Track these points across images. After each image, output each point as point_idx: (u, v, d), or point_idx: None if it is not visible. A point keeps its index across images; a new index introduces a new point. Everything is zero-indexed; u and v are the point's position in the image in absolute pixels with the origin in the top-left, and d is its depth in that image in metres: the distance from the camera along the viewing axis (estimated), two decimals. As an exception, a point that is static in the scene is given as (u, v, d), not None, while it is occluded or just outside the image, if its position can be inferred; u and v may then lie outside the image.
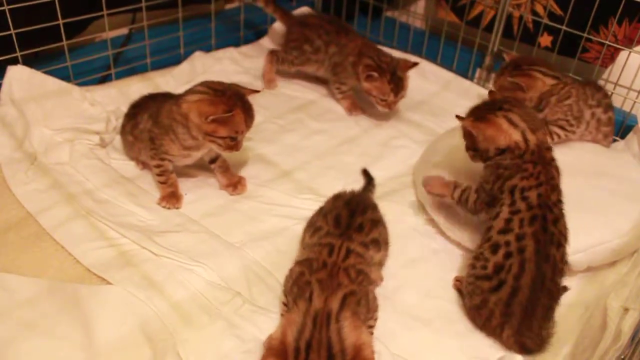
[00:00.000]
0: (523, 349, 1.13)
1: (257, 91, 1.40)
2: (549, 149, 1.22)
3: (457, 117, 1.27)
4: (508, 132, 1.20)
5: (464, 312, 1.22)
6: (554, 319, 1.16)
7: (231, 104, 1.30)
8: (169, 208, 1.43)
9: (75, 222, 1.36)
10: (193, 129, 1.34)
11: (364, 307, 1.02)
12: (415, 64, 1.75)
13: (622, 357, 0.98)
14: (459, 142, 1.34)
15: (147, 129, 1.43)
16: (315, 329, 0.95)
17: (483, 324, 1.17)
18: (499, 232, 1.16)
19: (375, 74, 1.70)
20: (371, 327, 1.10)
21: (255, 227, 1.40)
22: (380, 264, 1.20)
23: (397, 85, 1.72)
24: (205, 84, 1.36)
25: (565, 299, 1.27)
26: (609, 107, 1.62)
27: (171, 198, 1.44)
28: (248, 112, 1.35)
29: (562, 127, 1.57)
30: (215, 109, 1.30)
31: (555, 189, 1.19)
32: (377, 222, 1.19)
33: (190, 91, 1.35)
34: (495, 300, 1.13)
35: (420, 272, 1.32)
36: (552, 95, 1.56)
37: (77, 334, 1.09)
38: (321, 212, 1.22)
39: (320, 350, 0.93)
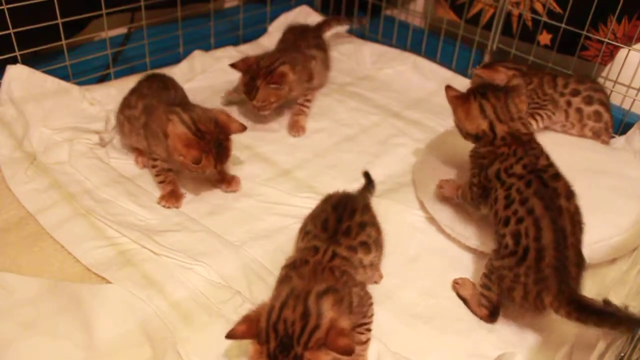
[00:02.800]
0: (574, 305, 1.06)
1: (245, 128, 1.41)
2: (527, 134, 1.24)
3: (447, 87, 1.32)
4: (476, 120, 1.26)
5: (472, 312, 1.22)
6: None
7: (203, 150, 1.33)
8: (168, 207, 1.43)
9: (75, 221, 1.36)
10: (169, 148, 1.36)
11: (345, 307, 0.98)
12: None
13: (622, 355, 0.98)
14: (460, 139, 1.34)
15: (142, 121, 1.45)
16: (293, 296, 0.93)
17: (521, 303, 1.13)
18: (504, 209, 1.16)
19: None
20: (367, 324, 1.09)
21: (255, 226, 1.40)
22: (373, 265, 1.17)
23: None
24: (193, 117, 1.36)
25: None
26: (597, 101, 1.62)
27: (171, 197, 1.44)
28: (220, 157, 1.37)
29: (536, 113, 1.65)
30: (186, 151, 1.32)
31: (539, 156, 1.20)
32: (365, 224, 1.15)
33: (178, 115, 1.36)
34: (525, 271, 1.10)
35: (421, 270, 1.32)
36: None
37: (78, 333, 1.09)
38: (310, 216, 1.20)
39: (295, 309, 0.90)
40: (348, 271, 1.05)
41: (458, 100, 1.31)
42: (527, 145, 1.22)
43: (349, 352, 0.88)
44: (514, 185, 1.16)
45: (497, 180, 1.19)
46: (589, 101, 1.62)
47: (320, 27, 2.05)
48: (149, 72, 1.62)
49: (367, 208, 1.22)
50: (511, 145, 1.22)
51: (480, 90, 1.29)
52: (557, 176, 1.17)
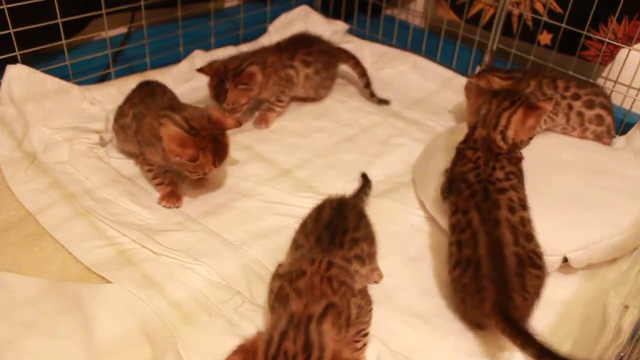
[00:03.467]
0: (505, 319, 1.04)
1: (240, 124, 1.40)
2: (501, 149, 1.26)
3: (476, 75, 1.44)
4: (473, 115, 1.32)
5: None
6: (540, 292, 1.11)
7: (201, 147, 1.31)
8: (169, 207, 1.43)
9: (75, 221, 1.36)
10: (165, 152, 1.35)
11: (344, 321, 0.96)
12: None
13: (622, 354, 0.98)
14: (460, 139, 1.34)
15: (133, 128, 1.45)
16: (293, 325, 0.86)
17: (470, 313, 1.15)
18: (452, 215, 1.22)
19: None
20: (363, 330, 1.07)
21: (255, 226, 1.40)
22: (368, 277, 1.16)
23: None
24: (185, 116, 1.34)
25: (565, 297, 1.27)
26: (598, 105, 1.62)
27: (171, 197, 1.44)
28: (218, 153, 1.35)
29: None
30: (182, 151, 1.30)
31: (498, 169, 1.22)
32: (358, 240, 1.12)
33: (169, 117, 1.34)
34: (468, 281, 1.12)
35: (420, 270, 1.32)
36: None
37: (77, 333, 1.09)
38: (303, 231, 1.16)
39: (296, 340, 0.84)
40: (346, 281, 1.02)
41: (479, 90, 1.35)
42: (493, 157, 1.24)
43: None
44: (462, 192, 1.21)
45: (455, 182, 1.25)
46: (590, 105, 1.61)
47: (335, 53, 1.96)
48: (142, 80, 1.60)
49: (360, 222, 1.17)
50: (477, 150, 1.26)
51: (501, 93, 1.31)
52: (505, 190, 1.18)
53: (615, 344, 1.07)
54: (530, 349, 0.98)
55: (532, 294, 1.10)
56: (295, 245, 1.14)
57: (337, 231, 1.11)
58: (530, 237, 1.15)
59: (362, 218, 1.19)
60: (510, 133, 1.26)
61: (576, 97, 1.62)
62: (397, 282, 1.28)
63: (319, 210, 1.19)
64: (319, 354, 0.83)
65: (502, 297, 1.08)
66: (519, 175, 1.25)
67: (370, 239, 1.17)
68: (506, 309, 1.06)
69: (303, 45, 1.85)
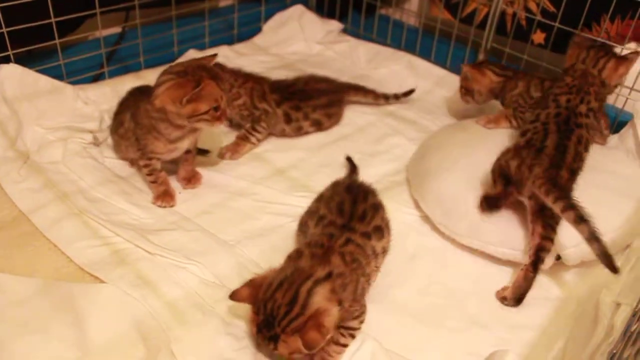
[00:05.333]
0: (551, 185, 1.21)
1: (215, 55, 1.38)
2: (593, 78, 1.50)
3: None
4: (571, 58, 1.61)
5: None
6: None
7: (197, 78, 1.28)
8: (164, 207, 1.43)
9: (68, 220, 1.35)
10: (175, 118, 1.32)
11: (349, 293, 1.02)
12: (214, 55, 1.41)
13: (614, 351, 0.98)
14: (455, 138, 1.35)
15: (131, 129, 1.43)
16: (290, 279, 0.99)
17: (515, 172, 1.29)
18: (530, 122, 1.43)
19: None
20: (354, 329, 1.09)
21: (250, 225, 1.40)
22: (385, 251, 1.20)
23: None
24: (166, 71, 1.34)
25: (558, 294, 1.28)
26: None
27: (165, 196, 1.44)
28: (217, 77, 1.33)
29: (514, 116, 1.66)
30: (184, 89, 1.28)
31: (583, 102, 1.43)
32: (379, 206, 1.21)
33: (156, 85, 1.33)
34: (527, 152, 1.31)
35: (415, 268, 1.32)
36: (503, 90, 1.70)
37: (71, 333, 1.09)
38: (322, 199, 1.24)
39: (286, 293, 0.97)
40: (359, 259, 1.09)
41: (575, 43, 1.57)
42: (586, 88, 1.45)
43: (312, 347, 0.93)
44: (549, 108, 1.43)
45: (545, 98, 1.49)
46: None
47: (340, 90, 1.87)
48: (134, 86, 1.59)
49: (375, 192, 1.27)
50: (575, 79, 1.48)
51: (597, 45, 1.55)
52: (580, 125, 1.38)
53: (608, 341, 1.08)
54: (569, 212, 1.16)
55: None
56: (317, 217, 1.19)
57: (359, 196, 1.20)
58: (579, 169, 1.35)
59: (375, 191, 1.28)
60: (604, 74, 1.49)
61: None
62: (392, 281, 1.28)
63: (334, 182, 1.28)
64: (299, 311, 0.95)
65: (554, 171, 1.27)
66: (597, 113, 1.47)
67: (383, 208, 1.25)
68: (555, 177, 1.25)
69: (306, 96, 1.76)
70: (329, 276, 1.00)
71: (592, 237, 1.13)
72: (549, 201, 1.20)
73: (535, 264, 1.24)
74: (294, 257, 1.07)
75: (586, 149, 1.38)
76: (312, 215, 1.22)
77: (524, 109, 1.64)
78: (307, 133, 1.76)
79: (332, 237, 1.10)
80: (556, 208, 1.19)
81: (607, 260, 1.12)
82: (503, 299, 1.26)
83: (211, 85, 1.30)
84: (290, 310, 0.96)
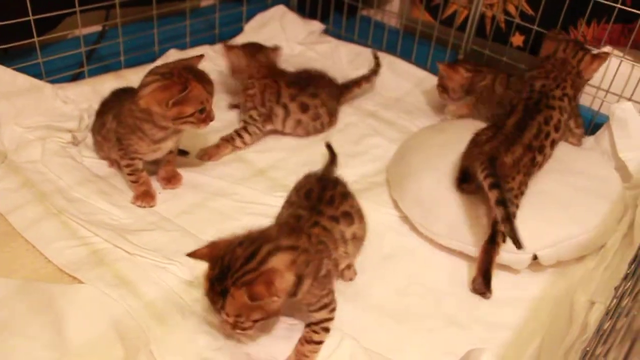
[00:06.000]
0: (488, 163, 1.26)
1: (201, 56, 1.38)
2: (572, 68, 1.57)
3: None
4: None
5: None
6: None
7: (183, 80, 1.28)
8: (144, 207, 1.42)
9: (46, 221, 1.34)
10: (159, 119, 1.32)
11: (311, 271, 1.02)
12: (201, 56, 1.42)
13: (588, 349, 1.00)
14: (435, 139, 1.36)
15: (113, 129, 1.42)
16: (253, 239, 1.00)
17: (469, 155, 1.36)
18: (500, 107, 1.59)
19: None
20: (326, 321, 1.09)
21: (230, 225, 1.39)
22: (355, 238, 1.19)
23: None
24: (151, 72, 1.33)
25: (535, 293, 1.30)
26: None
27: (145, 197, 1.43)
28: (203, 80, 1.32)
29: (474, 105, 1.79)
30: (170, 92, 1.27)
31: (558, 88, 1.51)
32: (348, 195, 1.22)
33: (141, 86, 1.32)
34: (485, 132, 1.40)
35: (394, 268, 1.33)
36: (472, 84, 1.79)
37: (49, 334, 1.08)
38: (294, 188, 1.25)
39: (246, 249, 0.98)
40: (325, 242, 1.10)
41: (553, 36, 1.64)
42: (563, 75, 1.52)
43: (254, 297, 0.93)
44: (522, 93, 1.51)
45: (525, 82, 1.56)
46: None
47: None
48: (115, 88, 1.59)
49: (346, 184, 1.28)
50: (555, 66, 1.55)
51: (574, 41, 1.60)
52: (552, 107, 1.45)
53: (581, 339, 1.10)
54: (495, 192, 1.21)
55: (521, 171, 1.33)
56: (288, 203, 1.20)
57: (329, 183, 1.21)
58: (543, 148, 1.39)
59: (346, 184, 1.29)
60: (581, 65, 1.56)
61: None
62: (371, 280, 1.29)
63: (307, 174, 1.28)
64: (256, 266, 0.96)
65: (504, 146, 1.32)
66: (572, 101, 1.53)
67: (354, 197, 1.25)
68: (496, 156, 1.29)
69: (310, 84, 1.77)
70: (292, 248, 1.00)
71: (506, 220, 1.19)
72: (481, 177, 1.26)
73: (492, 237, 1.28)
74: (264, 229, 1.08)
75: (556, 130, 1.43)
76: (285, 204, 1.23)
77: (485, 100, 1.75)
78: (322, 125, 1.78)
79: (301, 219, 1.11)
80: (485, 185, 1.24)
81: (512, 234, 1.19)
82: (474, 287, 1.28)
83: (197, 87, 1.30)
84: (245, 263, 0.96)
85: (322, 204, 1.15)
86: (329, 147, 1.55)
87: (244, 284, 0.94)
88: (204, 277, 1.01)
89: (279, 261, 0.97)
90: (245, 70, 1.74)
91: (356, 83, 1.95)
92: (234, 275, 0.96)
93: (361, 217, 1.23)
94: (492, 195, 1.21)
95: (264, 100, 1.70)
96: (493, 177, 1.23)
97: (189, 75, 1.30)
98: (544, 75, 1.53)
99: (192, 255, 1.03)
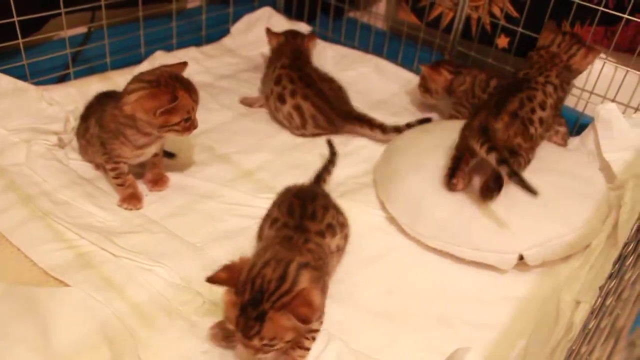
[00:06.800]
0: (480, 132, 1.30)
1: (185, 63, 1.38)
2: (561, 60, 1.58)
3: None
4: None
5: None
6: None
7: (172, 90, 1.27)
8: (130, 209, 1.42)
9: (32, 224, 1.33)
10: (143, 126, 1.31)
11: (321, 288, 1.02)
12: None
13: (573, 348, 1.01)
14: (421, 140, 1.36)
15: (96, 134, 1.41)
16: (276, 260, 0.98)
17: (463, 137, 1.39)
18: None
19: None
20: (315, 332, 1.10)
21: (217, 227, 1.40)
22: (339, 249, 1.20)
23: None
24: (137, 78, 1.32)
25: (521, 293, 1.31)
26: None
27: (132, 199, 1.43)
28: (190, 89, 1.32)
29: (457, 110, 1.82)
30: (159, 101, 1.26)
31: (541, 75, 1.54)
32: (328, 206, 1.21)
33: (126, 91, 1.31)
34: (472, 116, 1.45)
35: (381, 269, 1.34)
36: (452, 85, 1.84)
37: (34, 338, 1.08)
38: (275, 204, 1.24)
39: (275, 269, 0.96)
40: (322, 257, 1.10)
41: (550, 27, 1.65)
42: (548, 66, 1.54)
43: (306, 320, 0.92)
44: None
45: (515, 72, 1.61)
46: None
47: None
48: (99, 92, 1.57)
49: (326, 194, 1.29)
50: (542, 57, 1.58)
51: (570, 33, 1.61)
52: (534, 89, 1.48)
53: (567, 338, 1.11)
54: (493, 154, 1.25)
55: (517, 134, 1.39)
56: (270, 220, 1.19)
57: (307, 198, 1.19)
58: (532, 120, 1.42)
59: (326, 194, 1.30)
60: (574, 60, 1.57)
61: None
62: (358, 281, 1.29)
63: (286, 188, 1.28)
64: (290, 287, 0.95)
65: (492, 116, 1.38)
66: (559, 90, 1.53)
67: (335, 208, 1.25)
68: (487, 125, 1.33)
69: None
70: (308, 265, 1.00)
71: (513, 175, 1.23)
72: (477, 146, 1.30)
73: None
74: (266, 247, 1.06)
75: (542, 109, 1.45)
76: (266, 219, 1.22)
77: (464, 107, 1.80)
78: (302, 128, 1.78)
79: (292, 239, 1.10)
80: (483, 152, 1.28)
81: (523, 184, 1.23)
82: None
83: (185, 97, 1.29)
84: (280, 285, 0.94)
85: (305, 219, 1.14)
86: (329, 143, 1.57)
87: (283, 306, 0.93)
88: (228, 304, 0.97)
89: (307, 279, 0.97)
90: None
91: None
92: (270, 299, 0.93)
93: (343, 226, 1.23)
94: (492, 158, 1.25)
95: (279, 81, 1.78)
96: (489, 142, 1.27)
97: (176, 84, 1.29)
98: (528, 66, 1.56)
99: (212, 280, 0.98)
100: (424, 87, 1.87)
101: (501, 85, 1.56)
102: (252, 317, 0.93)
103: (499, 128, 1.36)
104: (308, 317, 0.92)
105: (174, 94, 1.26)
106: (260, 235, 1.24)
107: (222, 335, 1.09)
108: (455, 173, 1.38)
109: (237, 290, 0.96)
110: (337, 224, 1.20)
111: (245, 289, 0.95)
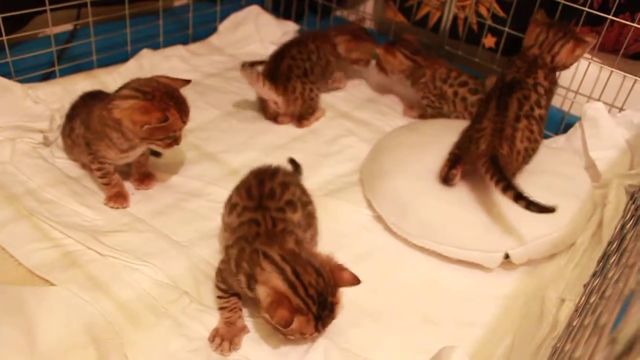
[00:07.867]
0: (492, 161, 1.31)
1: (189, 81, 1.36)
2: (545, 63, 1.54)
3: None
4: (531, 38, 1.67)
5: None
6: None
7: (164, 108, 1.25)
8: (117, 208, 1.41)
9: (17, 223, 1.32)
10: (128, 133, 1.29)
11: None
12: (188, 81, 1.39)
13: (558, 345, 1.02)
14: (408, 139, 1.37)
15: (82, 134, 1.39)
16: (290, 261, 1.03)
17: (466, 154, 1.41)
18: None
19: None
20: None
21: (204, 226, 1.39)
22: (300, 225, 1.19)
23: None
24: (133, 86, 1.30)
25: (506, 292, 1.32)
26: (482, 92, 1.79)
27: (118, 198, 1.42)
28: (182, 109, 1.30)
29: (428, 105, 1.86)
30: (149, 117, 1.24)
31: (529, 78, 1.51)
32: (289, 183, 1.20)
33: (119, 96, 1.29)
34: (471, 126, 1.46)
35: (368, 268, 1.33)
36: (412, 75, 1.86)
37: (19, 337, 1.07)
38: (235, 188, 1.24)
39: (307, 269, 1.02)
40: (294, 231, 1.13)
41: (536, 21, 1.58)
42: (534, 69, 1.51)
43: (357, 281, 1.08)
44: (497, 84, 1.53)
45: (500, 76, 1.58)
46: (475, 92, 1.78)
47: None
48: (83, 93, 1.56)
49: (288, 172, 1.28)
50: (525, 62, 1.54)
51: (556, 25, 1.56)
52: (528, 88, 1.47)
53: (552, 336, 1.12)
54: (510, 193, 1.26)
55: (520, 152, 1.39)
56: (230, 205, 1.19)
57: (266, 175, 1.20)
58: (530, 117, 1.42)
59: (288, 172, 1.29)
60: (559, 58, 1.53)
61: (464, 84, 1.79)
62: (345, 280, 1.29)
63: (250, 171, 1.26)
64: (327, 275, 1.05)
65: (497, 139, 1.36)
66: (548, 92, 1.51)
67: (296, 185, 1.25)
68: (495, 154, 1.33)
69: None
70: (297, 242, 1.10)
71: (529, 205, 1.24)
72: (491, 183, 1.30)
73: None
74: (252, 258, 1.06)
75: (539, 106, 1.45)
76: (226, 205, 1.22)
77: (427, 99, 1.84)
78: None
79: (259, 223, 1.11)
80: (498, 189, 1.29)
81: (542, 209, 1.24)
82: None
83: (175, 117, 1.28)
84: (322, 277, 1.03)
85: (264, 199, 1.15)
86: (292, 162, 1.57)
87: (337, 288, 1.07)
88: (301, 325, 1.02)
89: (318, 255, 1.09)
90: None
91: None
92: (330, 292, 1.05)
93: (305, 204, 1.22)
94: (509, 195, 1.26)
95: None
96: (504, 181, 1.28)
97: (170, 102, 1.27)
98: (515, 70, 1.54)
99: (288, 325, 0.99)
100: (380, 66, 1.91)
101: (496, 86, 1.54)
102: (327, 315, 1.05)
103: (506, 153, 1.36)
104: (355, 278, 1.08)
105: (165, 114, 1.25)
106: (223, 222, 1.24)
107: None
108: (456, 165, 1.40)
109: (303, 312, 1.02)
110: (298, 201, 1.19)
111: (309, 304, 1.02)
